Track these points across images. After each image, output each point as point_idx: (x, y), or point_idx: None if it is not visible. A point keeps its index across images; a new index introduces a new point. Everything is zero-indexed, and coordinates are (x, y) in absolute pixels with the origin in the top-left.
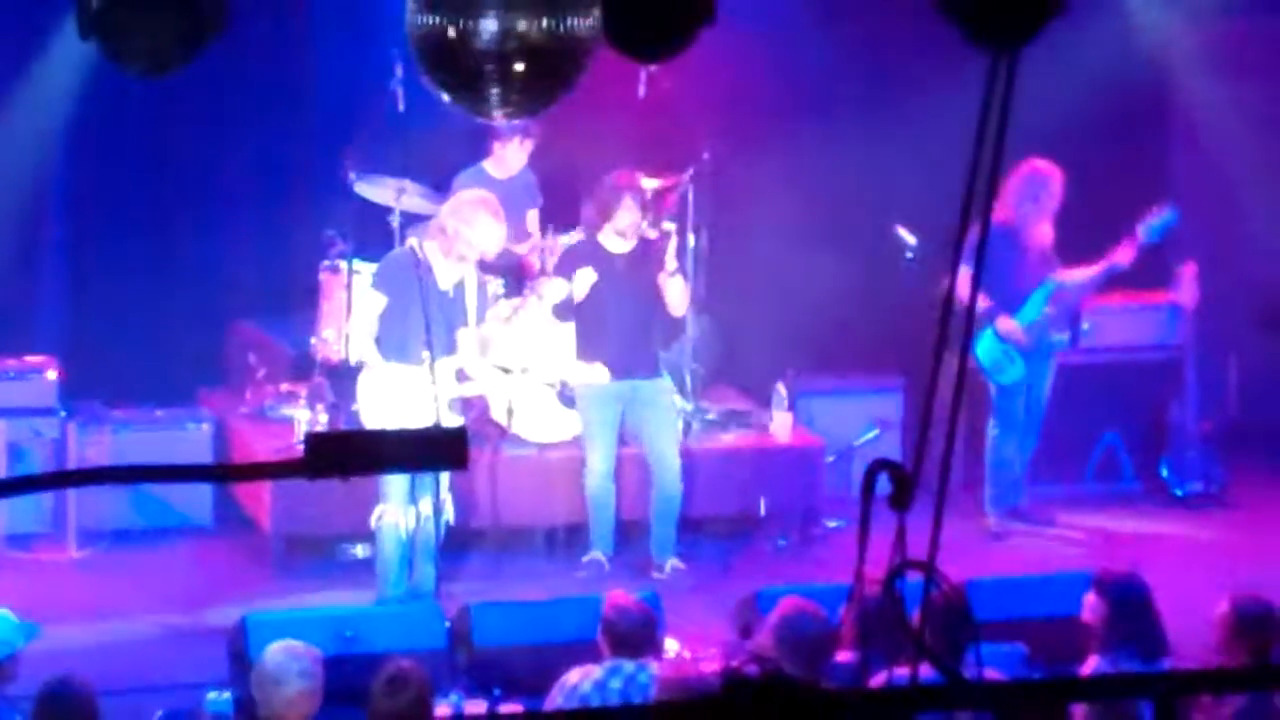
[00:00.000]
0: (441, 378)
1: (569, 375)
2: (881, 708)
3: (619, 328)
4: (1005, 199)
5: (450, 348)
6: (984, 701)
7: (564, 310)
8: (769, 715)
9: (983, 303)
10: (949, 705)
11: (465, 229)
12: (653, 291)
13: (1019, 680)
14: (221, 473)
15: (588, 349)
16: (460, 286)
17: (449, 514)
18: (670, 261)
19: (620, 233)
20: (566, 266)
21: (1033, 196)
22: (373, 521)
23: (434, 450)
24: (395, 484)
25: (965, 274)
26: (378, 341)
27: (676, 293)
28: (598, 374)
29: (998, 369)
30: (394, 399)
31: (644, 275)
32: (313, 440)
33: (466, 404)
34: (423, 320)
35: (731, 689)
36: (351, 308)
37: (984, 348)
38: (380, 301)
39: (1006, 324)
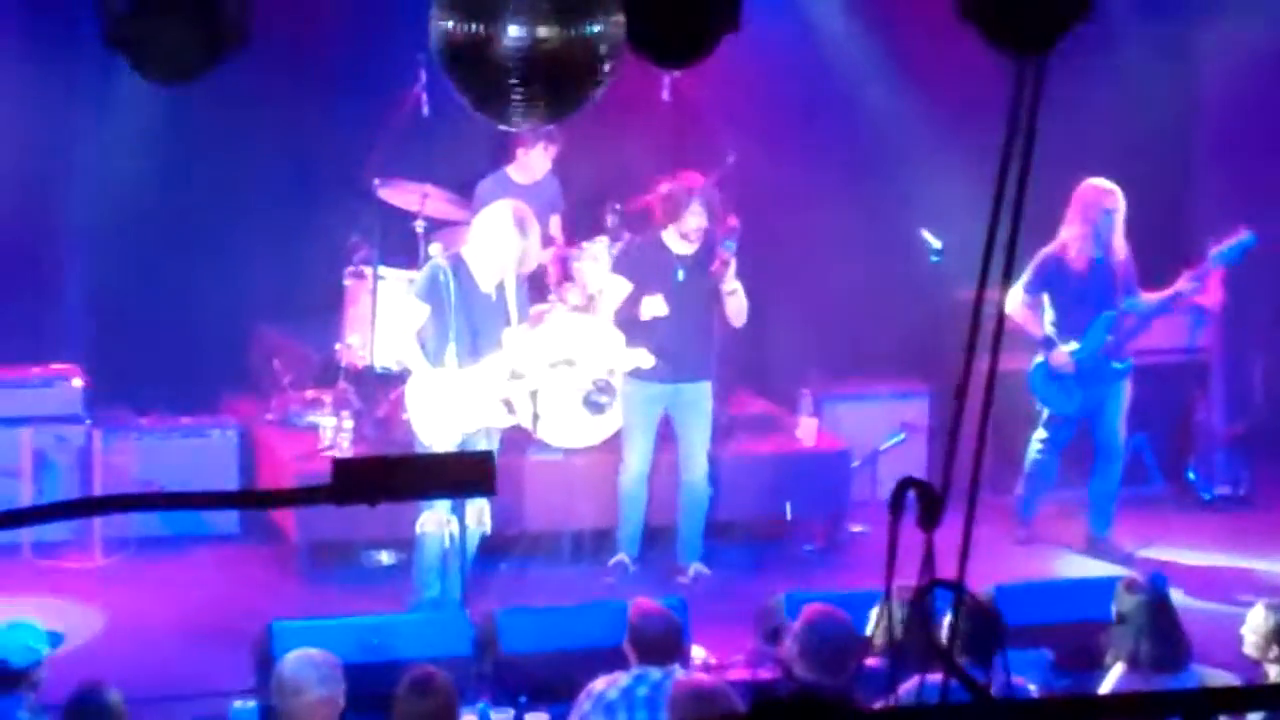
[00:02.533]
0: (487, 378)
1: (614, 363)
2: None
3: (673, 331)
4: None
5: (494, 348)
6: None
7: (625, 312)
8: None
9: (1039, 331)
10: None
11: (490, 240)
12: (711, 297)
13: (1049, 699)
14: (246, 499)
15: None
16: (501, 288)
17: (486, 525)
18: (730, 282)
19: (685, 235)
20: (625, 265)
21: (1085, 219)
22: (417, 528)
23: (462, 476)
24: None
25: (1018, 298)
26: (422, 348)
27: (736, 308)
28: (643, 359)
29: (1050, 400)
30: (443, 404)
31: (704, 281)
32: (339, 466)
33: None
34: (465, 325)
35: (762, 708)
36: (376, 313)
37: (1037, 379)
38: (423, 310)
39: (1059, 357)
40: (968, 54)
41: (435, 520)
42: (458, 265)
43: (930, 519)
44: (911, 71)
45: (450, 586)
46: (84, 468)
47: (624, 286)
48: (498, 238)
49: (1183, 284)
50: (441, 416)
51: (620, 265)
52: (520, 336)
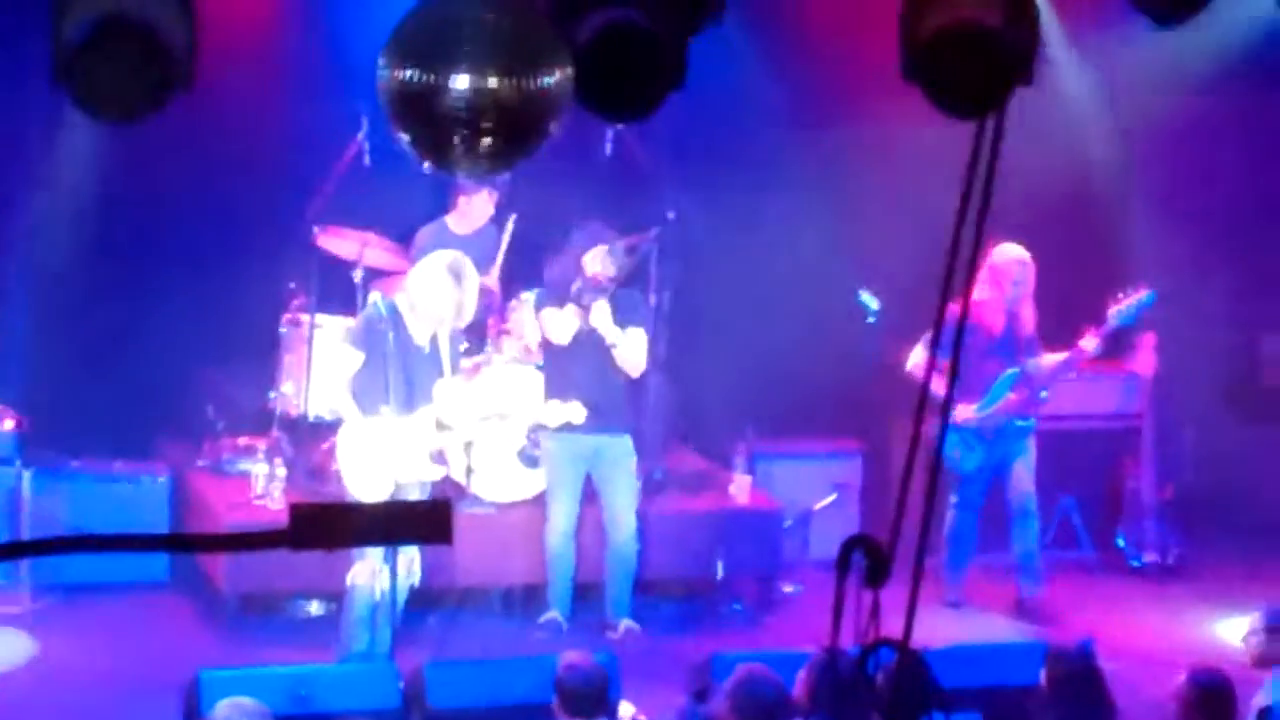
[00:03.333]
0: (419, 429)
1: (545, 416)
2: None
3: (585, 384)
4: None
5: (427, 400)
6: None
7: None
8: None
9: (941, 390)
10: None
11: (426, 291)
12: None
13: None
14: (199, 543)
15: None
16: (434, 340)
17: (416, 576)
18: (610, 334)
19: (593, 282)
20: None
21: (994, 283)
22: (348, 580)
23: (418, 524)
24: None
25: (922, 357)
26: (355, 397)
27: (626, 355)
28: (574, 413)
29: (956, 458)
30: (373, 453)
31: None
32: (296, 511)
33: (442, 457)
34: (399, 375)
35: None
36: (312, 362)
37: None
38: (357, 358)
39: (961, 412)
40: (911, 114)
41: (368, 571)
42: (394, 314)
43: (878, 576)
44: (855, 134)
45: (380, 638)
46: (12, 510)
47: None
48: (433, 289)
49: (1084, 342)
50: (372, 467)
51: (540, 305)
52: (451, 389)
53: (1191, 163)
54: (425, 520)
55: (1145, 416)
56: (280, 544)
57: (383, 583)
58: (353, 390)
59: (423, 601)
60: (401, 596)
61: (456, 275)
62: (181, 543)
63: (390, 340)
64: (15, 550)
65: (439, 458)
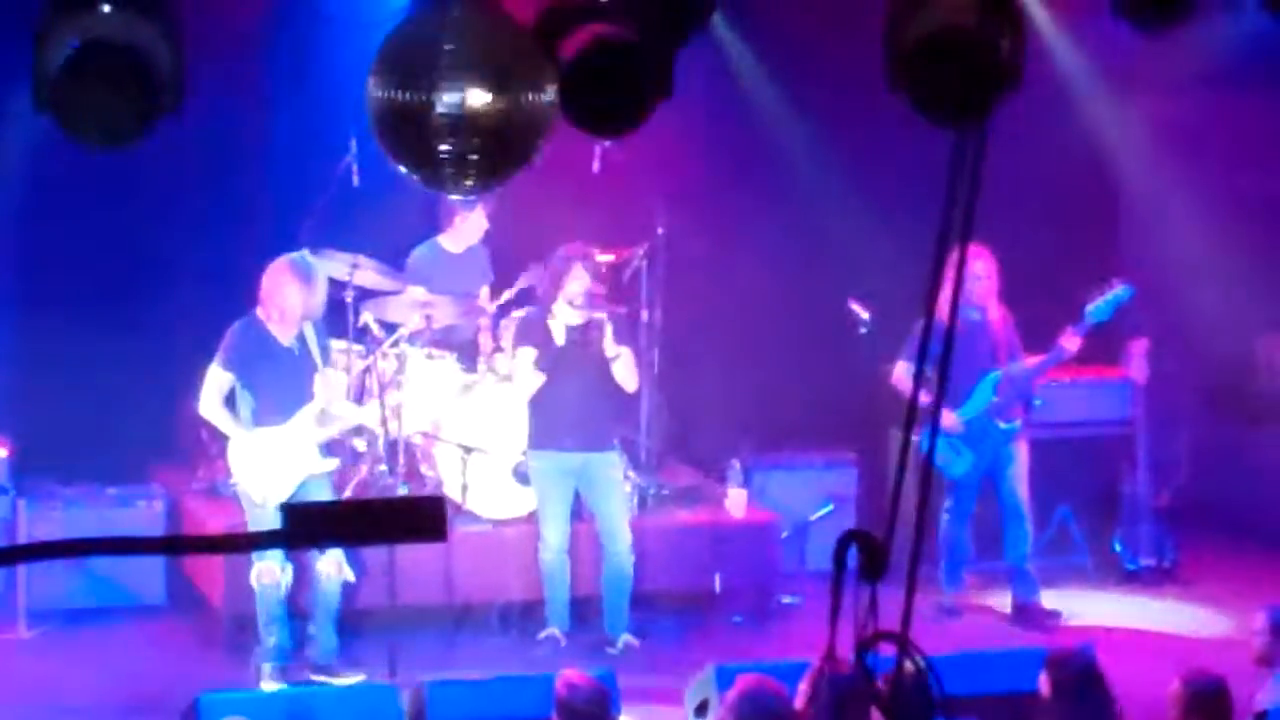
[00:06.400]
0: (302, 428)
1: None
2: None
3: (571, 401)
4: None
5: (306, 399)
6: None
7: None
8: None
9: (924, 398)
10: None
11: (274, 293)
12: (604, 365)
13: None
14: (196, 545)
15: (540, 421)
16: (301, 338)
17: (348, 574)
18: (609, 347)
19: (570, 300)
20: (522, 337)
21: (957, 283)
22: (252, 580)
23: (413, 521)
24: None
25: (903, 369)
26: (234, 412)
27: (623, 372)
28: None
29: (944, 463)
30: (263, 460)
31: (595, 348)
32: (291, 512)
33: (420, 481)
34: (274, 382)
35: None
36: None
37: (928, 444)
38: (226, 380)
39: (945, 418)
40: (899, 125)
41: (270, 571)
42: (257, 327)
43: (874, 570)
44: (842, 144)
45: (323, 646)
46: (8, 538)
47: (530, 355)
48: (283, 291)
49: (1064, 340)
50: (265, 473)
51: (515, 340)
52: (330, 379)
53: (1181, 164)
54: (420, 518)
55: (1139, 422)
56: (274, 544)
57: (286, 580)
58: (233, 406)
59: (420, 620)
60: (335, 598)
61: (302, 273)
62: (177, 545)
63: (257, 354)
64: (9, 556)
65: (327, 449)
